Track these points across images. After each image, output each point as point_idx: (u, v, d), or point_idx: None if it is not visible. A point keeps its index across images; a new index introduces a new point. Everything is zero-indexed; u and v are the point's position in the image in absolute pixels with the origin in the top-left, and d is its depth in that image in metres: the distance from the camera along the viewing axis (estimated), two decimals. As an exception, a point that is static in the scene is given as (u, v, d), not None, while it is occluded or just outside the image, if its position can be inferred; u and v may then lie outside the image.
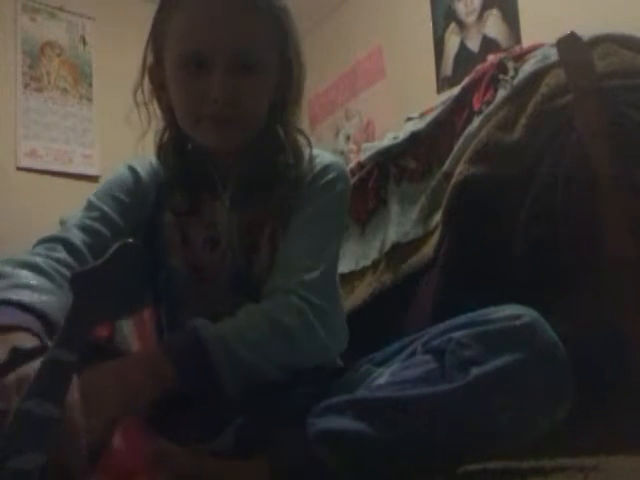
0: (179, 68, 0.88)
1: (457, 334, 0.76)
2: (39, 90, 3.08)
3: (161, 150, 0.97)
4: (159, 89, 0.94)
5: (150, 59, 0.93)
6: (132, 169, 0.98)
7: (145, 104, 0.93)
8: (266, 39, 0.89)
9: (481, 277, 1.15)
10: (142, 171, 0.98)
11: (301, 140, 0.96)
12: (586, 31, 1.14)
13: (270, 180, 0.92)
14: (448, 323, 0.80)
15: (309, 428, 0.72)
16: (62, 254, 0.82)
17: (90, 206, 0.92)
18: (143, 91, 0.93)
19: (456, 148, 1.27)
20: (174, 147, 0.96)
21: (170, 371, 0.73)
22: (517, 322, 0.74)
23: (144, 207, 0.95)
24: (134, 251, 0.65)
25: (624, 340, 1.01)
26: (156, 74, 0.93)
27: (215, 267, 0.93)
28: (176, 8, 0.87)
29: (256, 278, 0.91)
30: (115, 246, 0.64)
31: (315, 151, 0.97)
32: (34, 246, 0.84)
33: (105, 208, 0.91)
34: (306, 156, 0.95)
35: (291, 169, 0.93)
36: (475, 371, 0.71)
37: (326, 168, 0.95)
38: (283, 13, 0.91)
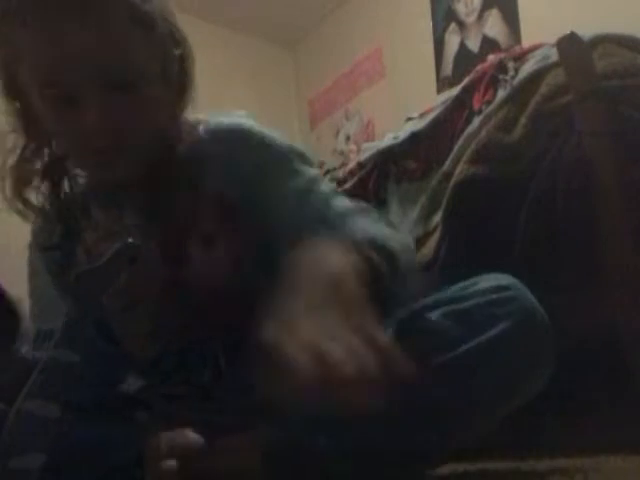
0: (45, 107, 0.73)
1: (435, 314, 0.74)
2: (39, 90, 3.08)
3: (50, 197, 0.83)
4: (27, 125, 0.78)
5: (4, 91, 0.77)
6: (30, 240, 0.94)
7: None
8: (139, 47, 0.73)
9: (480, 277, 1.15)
10: (36, 239, 0.93)
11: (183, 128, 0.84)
12: (586, 31, 1.14)
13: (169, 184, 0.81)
14: (424, 302, 0.78)
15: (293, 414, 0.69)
16: None
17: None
18: None
19: (456, 148, 1.27)
20: (58, 191, 0.83)
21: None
22: (495, 295, 0.73)
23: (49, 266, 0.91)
24: (134, 251, 0.65)
25: (624, 340, 1.01)
26: (16, 108, 0.78)
27: (145, 286, 0.83)
28: (21, 24, 0.69)
29: (191, 289, 0.83)
30: (115, 246, 0.64)
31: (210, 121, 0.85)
32: None
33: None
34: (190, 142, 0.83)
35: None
36: (460, 349, 0.71)
37: (234, 133, 0.84)
38: (149, 10, 0.74)
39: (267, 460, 0.69)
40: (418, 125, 1.45)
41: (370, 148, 1.59)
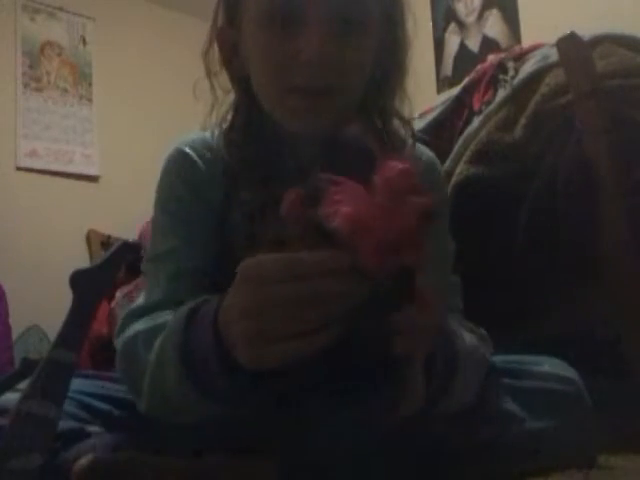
0: (260, 27, 0.69)
1: (489, 382, 0.72)
2: (39, 90, 3.09)
3: (229, 132, 0.77)
4: (231, 55, 0.75)
5: (221, 19, 0.76)
6: (185, 156, 0.77)
7: (212, 74, 0.76)
8: (374, 5, 0.70)
9: (481, 277, 1.15)
10: (198, 157, 0.77)
11: (403, 129, 0.79)
12: (586, 31, 1.14)
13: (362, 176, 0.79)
14: None
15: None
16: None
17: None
18: (209, 60, 0.76)
19: (456, 148, 1.27)
20: (245, 129, 0.75)
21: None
22: (560, 386, 0.72)
23: (209, 203, 0.75)
24: (133, 251, 0.65)
25: (624, 339, 1.01)
26: (228, 37, 0.75)
27: None
28: None
29: None
30: (115, 246, 0.64)
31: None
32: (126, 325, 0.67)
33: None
34: (407, 149, 0.79)
35: None
36: (514, 428, 0.69)
37: (432, 165, 0.85)
38: None
39: None
40: (418, 125, 1.45)
41: (370, 148, 1.59)
